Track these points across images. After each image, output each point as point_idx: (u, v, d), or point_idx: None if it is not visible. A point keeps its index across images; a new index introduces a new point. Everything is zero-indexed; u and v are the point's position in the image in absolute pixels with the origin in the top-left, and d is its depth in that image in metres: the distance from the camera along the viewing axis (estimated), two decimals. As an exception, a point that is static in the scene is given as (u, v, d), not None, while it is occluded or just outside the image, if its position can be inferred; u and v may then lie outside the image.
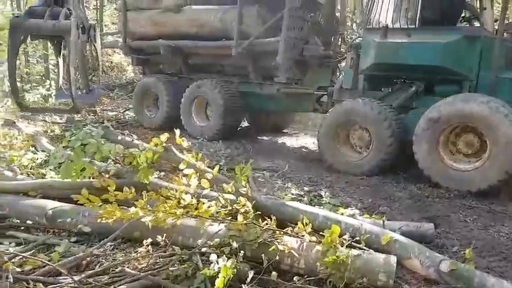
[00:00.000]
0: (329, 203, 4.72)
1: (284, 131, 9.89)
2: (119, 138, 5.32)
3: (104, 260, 3.25)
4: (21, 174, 5.04)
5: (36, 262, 2.97)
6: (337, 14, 8.65)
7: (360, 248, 3.10)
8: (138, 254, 3.23)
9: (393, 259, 2.96)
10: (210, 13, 8.01)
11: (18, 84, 10.48)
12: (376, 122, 5.98)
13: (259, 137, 9.01)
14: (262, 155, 7.19)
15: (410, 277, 3.13)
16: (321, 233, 3.21)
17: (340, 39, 8.19)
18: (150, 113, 9.43)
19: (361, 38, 6.80)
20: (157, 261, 3.16)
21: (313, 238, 3.23)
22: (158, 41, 8.68)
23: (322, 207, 4.35)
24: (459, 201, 5.09)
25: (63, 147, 5.67)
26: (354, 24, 13.10)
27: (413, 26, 6.03)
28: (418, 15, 5.97)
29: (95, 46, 5.26)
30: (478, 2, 6.68)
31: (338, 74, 7.79)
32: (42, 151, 6.46)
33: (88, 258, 3.20)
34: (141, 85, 9.66)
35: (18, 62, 12.18)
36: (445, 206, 4.96)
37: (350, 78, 6.73)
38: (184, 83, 8.85)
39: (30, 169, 5.51)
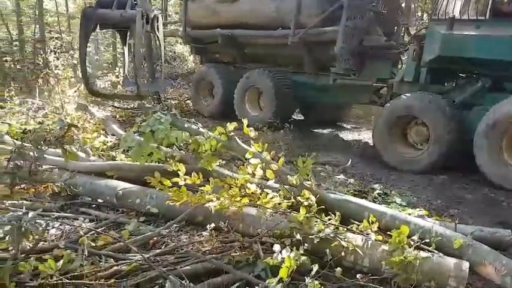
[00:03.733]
0: (395, 202, 4.55)
1: (345, 125, 9.67)
2: (186, 125, 5.47)
3: (169, 241, 3.36)
4: (93, 155, 5.32)
5: (107, 238, 3.13)
6: (402, 4, 8.28)
7: (429, 251, 2.96)
8: (202, 238, 3.31)
9: (465, 264, 2.80)
10: (267, 2, 7.99)
11: (90, 70, 11.11)
12: (435, 118, 5.76)
13: (318, 130, 8.88)
14: (322, 148, 7.08)
15: (482, 284, 2.96)
16: (388, 232, 3.11)
17: (403, 30, 7.84)
18: (206, 101, 9.63)
19: (425, 29, 6.49)
20: (220, 246, 3.22)
21: (379, 237, 3.14)
22: (216, 30, 8.78)
23: (387, 206, 4.21)
24: (538, 209, 4.72)
25: (134, 132, 5.93)
26: (416, 15, 12.54)
27: (483, 18, 5.64)
28: (489, 6, 5.58)
29: (157, 36, 5.39)
30: None
31: (400, 66, 7.50)
32: (112, 135, 6.79)
33: (155, 238, 3.33)
34: (198, 74, 9.94)
35: (89, 49, 12.94)
36: (522, 212, 4.62)
37: (412, 70, 6.47)
38: (239, 72, 8.93)
39: (101, 151, 5.81)
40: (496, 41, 5.42)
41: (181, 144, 5.11)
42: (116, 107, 9.70)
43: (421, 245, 3.00)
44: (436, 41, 5.94)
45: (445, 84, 6.48)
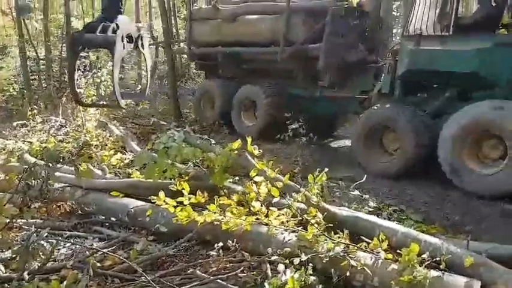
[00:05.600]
0: (410, 218, 4.46)
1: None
2: (198, 142, 5.56)
3: (177, 260, 3.37)
4: (110, 173, 5.41)
5: (115, 258, 3.15)
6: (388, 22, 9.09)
7: (440, 269, 2.87)
8: (209, 258, 3.29)
9: (476, 284, 2.71)
10: (262, 22, 8.73)
11: (114, 88, 11.32)
12: (402, 126, 6.16)
13: (338, 145, 8.82)
14: (341, 163, 6.99)
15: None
16: (398, 250, 3.03)
17: (383, 46, 8.38)
18: (207, 113, 10.22)
19: (399, 45, 6.96)
20: (227, 265, 3.20)
21: (390, 255, 3.07)
22: (217, 48, 9.58)
23: (402, 223, 4.12)
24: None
25: (149, 149, 6.02)
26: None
27: (447, 33, 6.05)
28: (452, 22, 5.98)
29: (143, 53, 6.08)
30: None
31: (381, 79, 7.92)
32: (130, 152, 6.90)
33: (163, 258, 3.35)
34: (201, 88, 11.06)
35: (114, 68, 13.26)
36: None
37: (388, 83, 6.92)
38: (238, 86, 9.49)
39: (118, 168, 5.91)
40: (456, 54, 5.88)
41: (197, 161, 5.16)
42: (135, 123, 9.89)
43: (432, 263, 2.91)
44: (406, 56, 6.46)
45: (418, 95, 6.91)
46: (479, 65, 5.70)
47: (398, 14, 14.60)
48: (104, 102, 9.24)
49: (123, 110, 10.94)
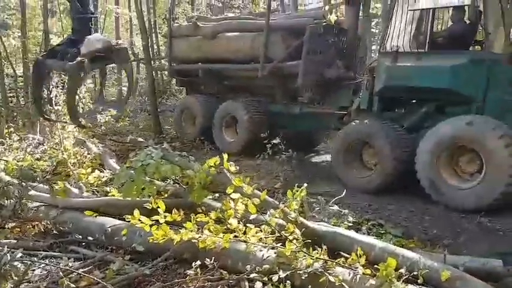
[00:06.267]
0: (389, 233, 4.47)
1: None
2: (177, 159, 5.52)
3: (154, 280, 3.30)
4: (87, 191, 5.31)
5: (90, 279, 3.08)
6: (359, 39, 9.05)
7: (418, 284, 2.88)
8: (187, 277, 3.24)
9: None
10: (242, 39, 8.82)
11: (92, 106, 11.25)
12: (379, 141, 6.24)
13: (320, 160, 8.87)
14: (321, 178, 7.03)
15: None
16: (376, 265, 3.04)
17: (361, 62, 8.63)
18: (188, 129, 10.20)
19: (376, 62, 7.10)
20: (205, 284, 3.15)
21: (368, 271, 3.07)
22: (197, 65, 9.61)
23: (380, 237, 4.14)
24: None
25: (127, 167, 5.94)
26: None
27: (423, 50, 6.22)
28: (427, 39, 6.17)
29: (125, 69, 6.20)
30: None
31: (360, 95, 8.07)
32: (109, 169, 6.80)
33: (140, 277, 3.28)
34: (181, 104, 10.95)
35: (92, 85, 13.23)
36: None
37: (366, 99, 7.04)
38: (219, 102, 9.55)
39: (96, 187, 5.81)
40: (431, 70, 6.00)
41: (177, 178, 5.11)
42: (114, 141, 9.78)
43: (410, 278, 2.92)
44: (383, 72, 6.58)
45: (396, 111, 7.05)
46: (454, 81, 5.84)
47: (377, 31, 14.97)
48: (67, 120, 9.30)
49: (102, 128, 11.00)
